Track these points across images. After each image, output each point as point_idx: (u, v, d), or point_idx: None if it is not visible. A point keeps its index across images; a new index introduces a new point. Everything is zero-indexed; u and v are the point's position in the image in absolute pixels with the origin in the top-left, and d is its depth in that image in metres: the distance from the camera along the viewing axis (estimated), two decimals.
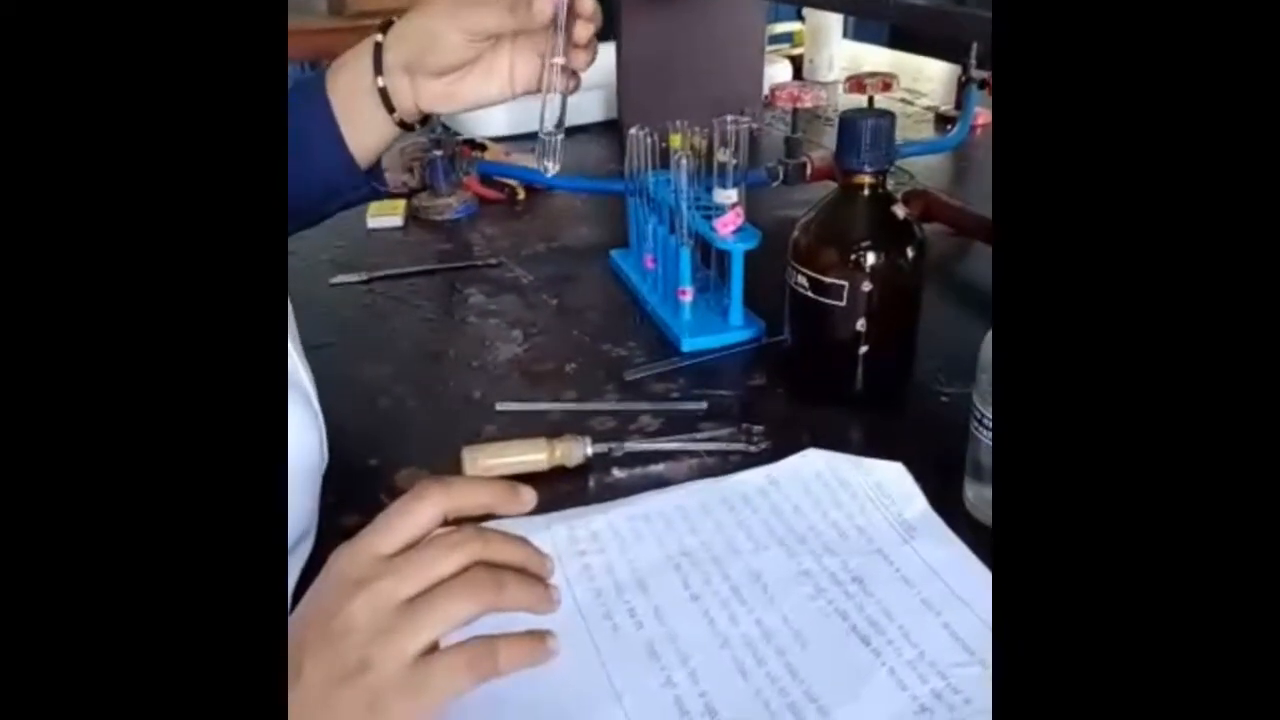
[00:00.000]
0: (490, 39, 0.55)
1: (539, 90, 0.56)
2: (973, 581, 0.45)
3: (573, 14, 0.54)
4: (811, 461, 0.54)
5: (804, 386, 0.63)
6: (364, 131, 0.57)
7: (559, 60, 0.55)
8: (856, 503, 0.51)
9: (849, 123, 0.55)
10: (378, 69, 0.56)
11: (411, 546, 0.37)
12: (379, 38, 0.56)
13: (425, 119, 0.60)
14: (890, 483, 0.52)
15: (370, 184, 0.59)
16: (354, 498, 0.51)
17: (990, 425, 0.48)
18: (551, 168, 0.57)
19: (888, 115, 0.56)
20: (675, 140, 0.70)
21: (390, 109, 0.56)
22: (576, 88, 0.57)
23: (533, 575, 0.39)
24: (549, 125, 0.56)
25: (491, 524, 0.41)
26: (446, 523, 0.39)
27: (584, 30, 0.55)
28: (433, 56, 0.55)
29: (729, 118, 0.64)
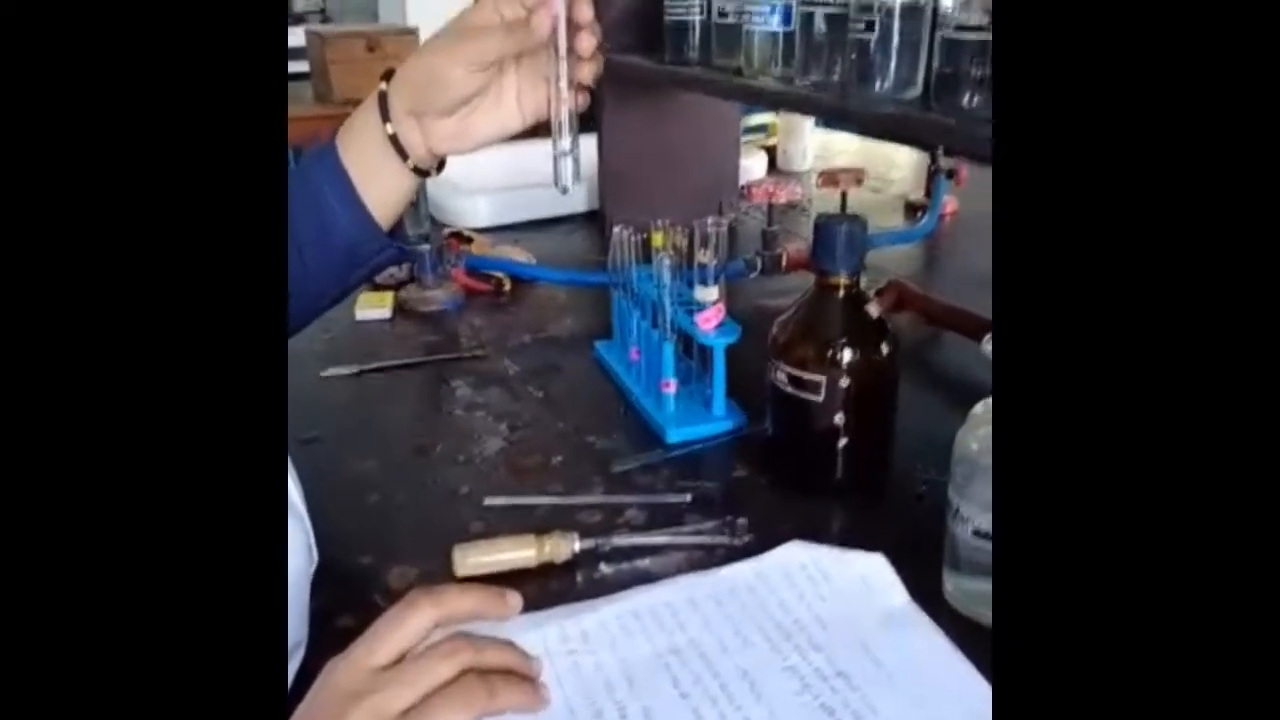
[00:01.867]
0: (492, 67, 0.54)
1: (550, 116, 0.55)
2: (956, 674, 0.46)
3: (572, 26, 0.53)
4: (795, 555, 0.56)
5: (786, 477, 0.65)
6: (380, 186, 0.56)
7: (564, 75, 0.54)
8: (840, 596, 0.52)
9: (824, 229, 0.58)
10: (385, 117, 0.55)
11: (404, 656, 0.38)
12: (383, 86, 0.56)
13: (441, 164, 0.59)
14: (872, 574, 0.54)
15: (395, 245, 0.58)
16: (346, 599, 0.52)
17: (965, 518, 0.49)
18: (570, 187, 0.56)
19: (859, 221, 0.59)
20: (657, 239, 0.73)
21: (404, 156, 0.56)
22: (586, 103, 0.56)
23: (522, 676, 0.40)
24: (562, 146, 0.55)
25: (485, 623, 0.42)
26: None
27: (586, 41, 0.53)
28: (438, 94, 0.54)
29: (709, 220, 0.67)
